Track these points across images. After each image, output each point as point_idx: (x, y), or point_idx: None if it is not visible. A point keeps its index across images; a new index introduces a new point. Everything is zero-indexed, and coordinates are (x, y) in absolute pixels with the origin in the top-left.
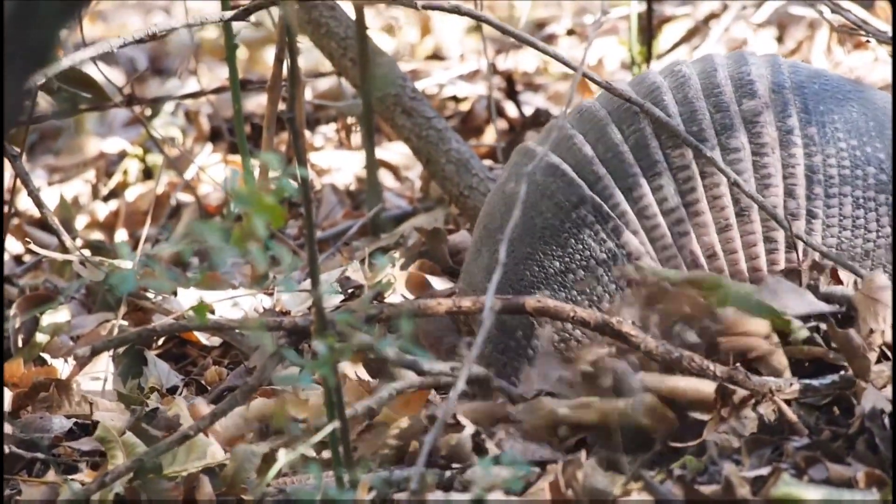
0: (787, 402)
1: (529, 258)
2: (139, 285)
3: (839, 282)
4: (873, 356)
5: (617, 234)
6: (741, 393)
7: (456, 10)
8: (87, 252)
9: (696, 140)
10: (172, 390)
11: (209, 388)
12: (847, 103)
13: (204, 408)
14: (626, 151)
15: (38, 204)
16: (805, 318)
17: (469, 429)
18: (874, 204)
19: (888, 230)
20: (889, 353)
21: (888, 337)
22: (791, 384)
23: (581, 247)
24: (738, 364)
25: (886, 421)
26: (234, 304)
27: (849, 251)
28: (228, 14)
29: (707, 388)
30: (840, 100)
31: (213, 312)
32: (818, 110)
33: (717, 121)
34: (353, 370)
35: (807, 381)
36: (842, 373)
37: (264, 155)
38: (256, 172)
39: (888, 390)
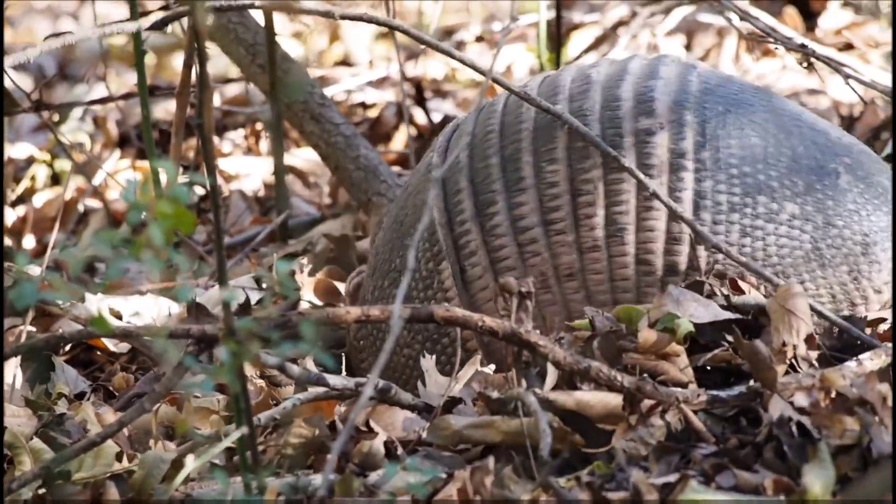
0: (695, 411)
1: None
2: (39, 298)
3: (739, 291)
4: (782, 367)
5: (436, 260)
6: (649, 401)
7: (371, 20)
8: None
9: (579, 155)
10: (80, 396)
11: (117, 395)
12: (750, 126)
13: (111, 415)
14: (494, 164)
15: None
16: (711, 327)
17: (381, 436)
18: (762, 233)
19: (775, 259)
20: (798, 366)
21: (801, 350)
22: (698, 395)
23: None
24: (645, 374)
25: (794, 429)
26: (136, 314)
27: (738, 277)
28: (145, 23)
29: (614, 400)
30: (743, 123)
31: (119, 318)
32: (716, 134)
33: (609, 137)
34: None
35: (714, 392)
36: (749, 384)
37: (161, 161)
38: (163, 179)
39: (798, 399)
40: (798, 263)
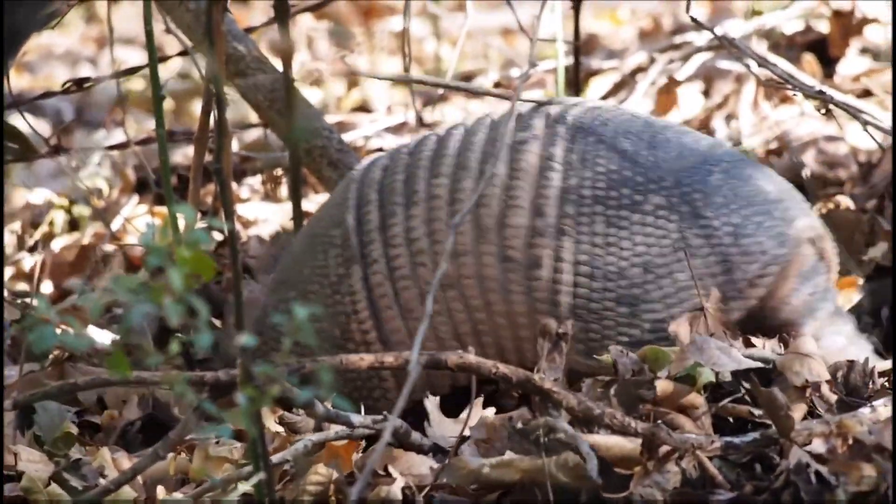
0: (709, 457)
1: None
2: (58, 342)
3: (750, 344)
4: (800, 412)
5: (347, 264)
6: (666, 446)
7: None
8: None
9: (459, 168)
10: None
11: (103, 429)
12: (624, 136)
13: (125, 460)
14: (399, 179)
15: None
16: (734, 375)
17: (399, 481)
18: (627, 223)
19: (641, 248)
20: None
21: (825, 390)
22: (713, 441)
23: (320, 267)
24: (659, 421)
25: (811, 475)
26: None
27: (602, 268)
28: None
29: (631, 444)
30: (617, 133)
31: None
32: (586, 140)
33: (487, 150)
34: (272, 421)
35: (728, 439)
36: (763, 430)
37: (179, 207)
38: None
39: (815, 445)
40: (665, 253)
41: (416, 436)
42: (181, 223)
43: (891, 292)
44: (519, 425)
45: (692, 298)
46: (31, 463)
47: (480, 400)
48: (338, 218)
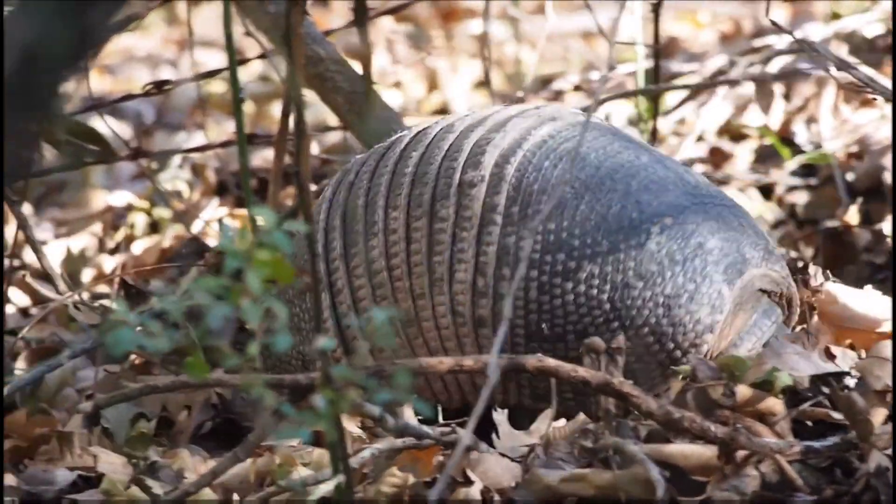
0: (789, 461)
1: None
2: (136, 344)
3: (832, 357)
4: (878, 417)
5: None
6: (743, 451)
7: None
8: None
9: (415, 203)
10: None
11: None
12: (571, 181)
13: (204, 464)
14: (359, 205)
15: (35, 248)
16: (812, 380)
17: (478, 484)
18: (560, 291)
19: (575, 318)
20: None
21: None
22: (792, 445)
23: (296, 300)
24: (738, 425)
25: (892, 479)
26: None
27: (538, 333)
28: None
29: (708, 451)
30: (565, 179)
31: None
32: (530, 189)
33: (440, 188)
34: (352, 425)
35: (808, 443)
36: (842, 434)
37: (259, 209)
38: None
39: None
40: (599, 324)
41: (483, 447)
42: (260, 226)
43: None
44: (588, 444)
45: (629, 366)
46: (109, 465)
47: (552, 411)
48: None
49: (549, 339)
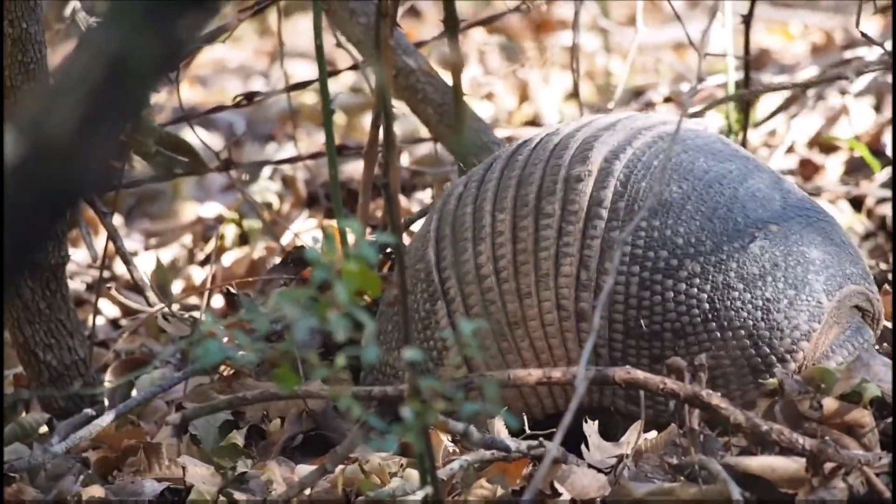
0: (877, 473)
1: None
2: (225, 356)
3: None
4: None
5: (433, 300)
6: (830, 464)
7: None
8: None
9: (520, 203)
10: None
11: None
12: (677, 182)
13: (293, 474)
14: (468, 213)
15: (125, 260)
16: None
17: (566, 496)
18: (660, 287)
19: (673, 315)
20: None
21: None
22: (880, 458)
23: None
24: (826, 437)
25: None
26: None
27: (636, 329)
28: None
29: (796, 464)
30: (672, 178)
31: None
32: (636, 186)
33: (546, 183)
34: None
35: None
36: None
37: (349, 221)
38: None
39: None
40: (696, 322)
41: (572, 459)
42: (349, 237)
43: None
44: (674, 460)
45: (723, 368)
46: (199, 476)
47: (641, 422)
48: (421, 252)
49: (646, 336)
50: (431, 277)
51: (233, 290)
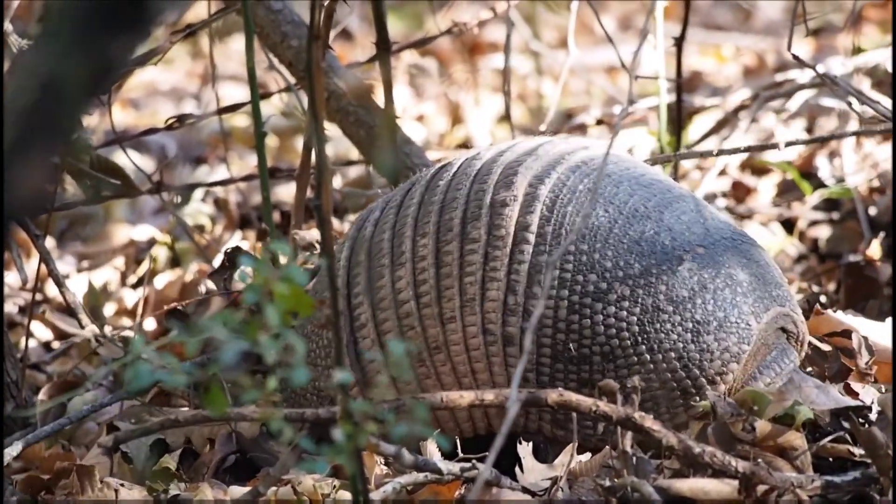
0: (809, 496)
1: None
2: (155, 379)
3: (854, 394)
4: None
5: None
6: (763, 486)
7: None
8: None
9: (444, 228)
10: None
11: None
12: (603, 206)
13: (224, 496)
14: (385, 239)
15: (58, 282)
16: (833, 415)
17: None
18: (590, 311)
19: (603, 339)
20: None
21: None
22: (813, 480)
23: (313, 336)
24: (759, 460)
25: None
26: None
27: (565, 353)
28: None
29: (728, 487)
30: (599, 202)
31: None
32: (563, 210)
33: (471, 209)
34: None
35: (828, 478)
36: (863, 469)
37: (275, 243)
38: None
39: None
40: (626, 345)
41: (506, 481)
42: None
43: None
44: (607, 482)
45: (653, 390)
46: (132, 499)
47: (574, 445)
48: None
49: (575, 361)
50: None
51: (178, 308)
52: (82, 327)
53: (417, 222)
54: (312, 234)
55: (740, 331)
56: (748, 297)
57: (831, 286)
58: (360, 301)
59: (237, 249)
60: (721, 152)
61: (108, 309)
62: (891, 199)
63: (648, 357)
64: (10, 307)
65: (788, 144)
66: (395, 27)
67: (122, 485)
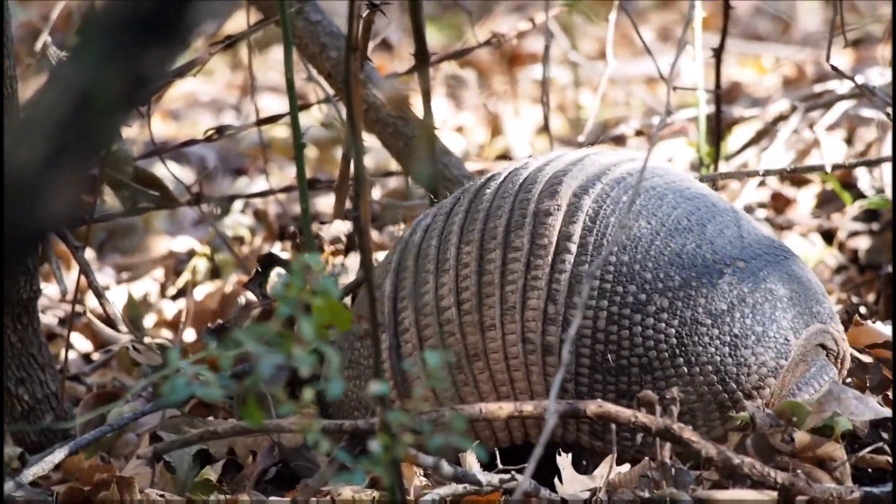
0: None
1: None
2: (191, 392)
3: (891, 404)
4: None
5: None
6: (803, 497)
7: None
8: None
9: (489, 235)
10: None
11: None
12: (645, 218)
13: None
14: (433, 245)
15: (97, 294)
16: (872, 426)
17: None
18: (628, 322)
19: (641, 350)
20: None
21: None
22: (852, 491)
23: (357, 343)
24: (798, 471)
25: None
26: None
27: (603, 363)
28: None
29: (767, 497)
30: (640, 214)
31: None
32: (605, 221)
33: (514, 218)
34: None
35: (867, 489)
36: None
37: (307, 256)
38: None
39: None
40: (664, 357)
41: (545, 492)
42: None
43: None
44: (646, 494)
45: (690, 403)
46: None
47: (613, 456)
48: (379, 281)
49: (613, 371)
50: (382, 308)
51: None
52: (118, 331)
53: (463, 230)
54: (338, 226)
55: (778, 346)
56: (788, 313)
57: (871, 297)
58: (404, 305)
59: (270, 255)
60: (767, 172)
61: (148, 320)
62: None
63: (686, 369)
64: (50, 319)
65: (835, 168)
66: (434, 38)
67: (161, 496)
